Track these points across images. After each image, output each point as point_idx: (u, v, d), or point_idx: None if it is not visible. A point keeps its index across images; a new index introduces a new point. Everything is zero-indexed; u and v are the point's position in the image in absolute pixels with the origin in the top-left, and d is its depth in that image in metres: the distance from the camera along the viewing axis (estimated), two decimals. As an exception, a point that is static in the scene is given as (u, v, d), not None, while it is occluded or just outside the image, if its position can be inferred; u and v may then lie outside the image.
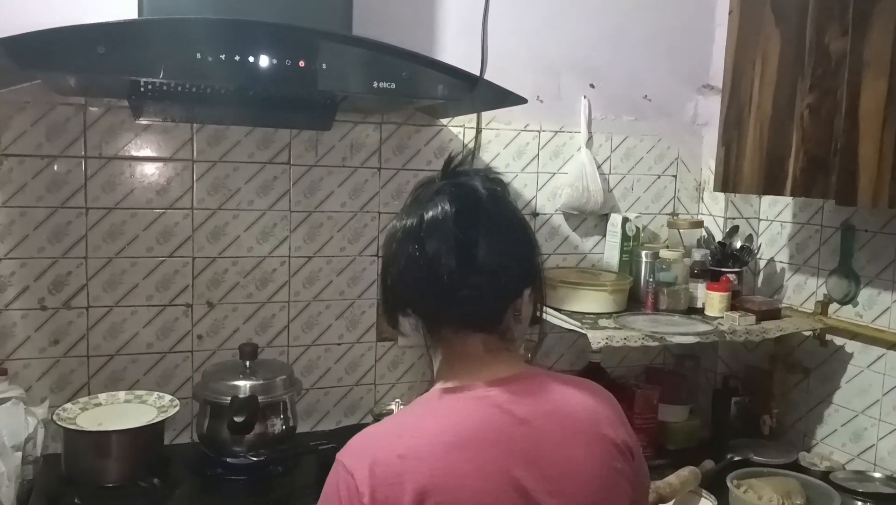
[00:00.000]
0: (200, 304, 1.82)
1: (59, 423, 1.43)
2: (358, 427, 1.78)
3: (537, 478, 0.92)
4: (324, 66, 1.37)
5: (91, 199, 1.72)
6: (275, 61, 1.33)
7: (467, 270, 0.95)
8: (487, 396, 0.96)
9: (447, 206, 0.97)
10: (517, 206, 1.07)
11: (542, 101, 2.06)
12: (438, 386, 1.02)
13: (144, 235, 1.77)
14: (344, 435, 1.74)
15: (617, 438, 1.01)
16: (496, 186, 1.03)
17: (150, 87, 1.50)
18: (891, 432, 1.80)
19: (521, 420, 0.95)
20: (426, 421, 0.96)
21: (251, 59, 1.31)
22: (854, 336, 1.89)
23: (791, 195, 1.73)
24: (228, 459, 1.58)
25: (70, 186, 1.71)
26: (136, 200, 1.76)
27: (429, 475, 0.88)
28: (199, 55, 1.28)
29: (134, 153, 1.74)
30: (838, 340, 1.93)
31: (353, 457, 0.92)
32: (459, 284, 0.95)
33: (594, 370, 2.07)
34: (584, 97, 2.10)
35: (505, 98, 1.58)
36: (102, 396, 1.56)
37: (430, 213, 0.97)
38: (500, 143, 2.04)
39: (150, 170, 1.76)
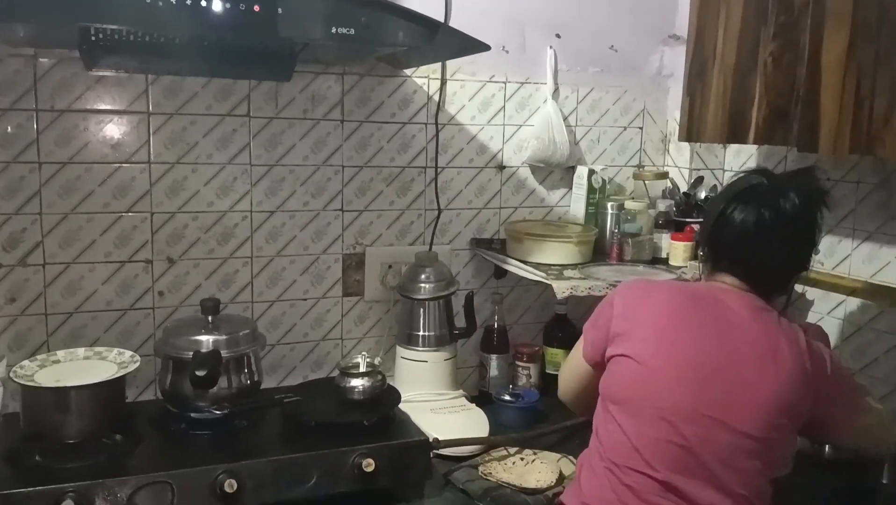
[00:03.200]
0: (160, 260, 1.79)
1: (16, 380, 1.40)
2: (325, 381, 1.79)
3: None
4: (279, 10, 1.33)
5: (44, 154, 1.68)
6: (228, 5, 1.29)
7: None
8: None
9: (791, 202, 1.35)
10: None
11: (507, 52, 2.04)
12: None
13: (100, 190, 1.72)
14: (310, 389, 1.75)
15: None
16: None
17: (101, 35, 1.45)
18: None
19: None
20: None
21: (203, 2, 1.27)
22: (814, 284, 1.91)
23: (754, 143, 1.74)
24: (192, 415, 1.57)
25: (22, 141, 1.65)
26: (90, 155, 1.71)
27: None
28: (149, -1, 1.24)
29: (87, 106, 1.69)
30: (799, 288, 1.96)
31: None
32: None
33: (560, 322, 2.09)
34: (550, 48, 2.08)
35: (468, 45, 1.55)
36: (61, 353, 1.53)
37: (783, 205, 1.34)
38: (465, 94, 2.01)
39: (105, 123, 1.71)
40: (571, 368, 1.52)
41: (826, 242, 1.89)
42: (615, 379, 1.36)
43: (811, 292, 1.93)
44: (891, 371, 1.74)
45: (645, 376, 1.30)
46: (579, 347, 1.47)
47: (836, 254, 1.87)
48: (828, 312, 1.89)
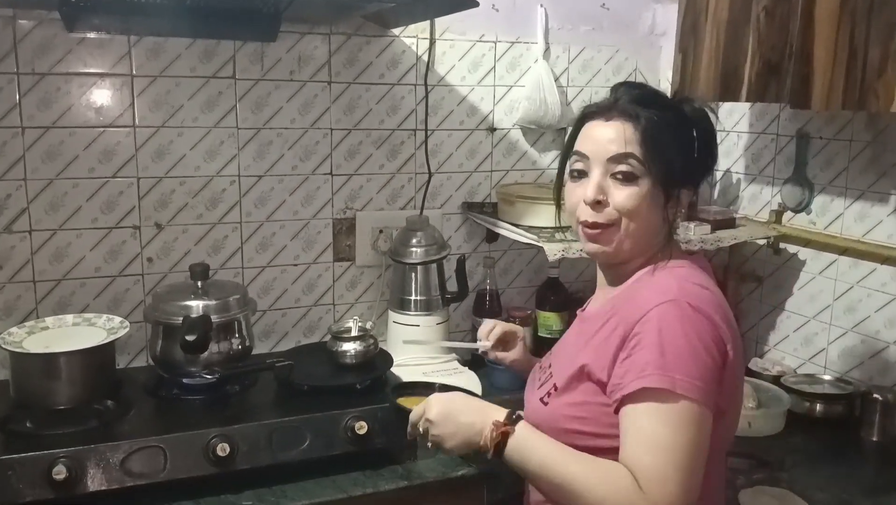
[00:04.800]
0: (148, 226, 1.77)
1: (4, 347, 1.38)
2: (317, 346, 1.78)
3: None
4: (262, -34, 1.30)
5: (26, 118, 1.65)
6: (209, -39, 1.26)
7: None
8: None
9: None
10: None
11: (497, 10, 2.00)
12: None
13: (85, 155, 1.70)
14: (302, 354, 1.75)
15: None
16: None
17: (79, -7, 1.42)
18: (841, 336, 1.84)
19: None
20: None
21: (183, -43, 1.24)
22: (807, 243, 1.91)
23: (746, 101, 1.72)
24: (184, 380, 1.56)
25: (3, 105, 1.62)
26: (74, 119, 1.68)
27: None
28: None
29: (69, 69, 1.66)
30: (791, 248, 1.96)
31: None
32: None
33: (552, 285, 2.08)
34: (541, 6, 2.04)
35: (456, 2, 1.52)
36: (50, 320, 1.52)
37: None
38: (455, 54, 1.98)
39: (87, 86, 1.68)
40: (701, 446, 1.02)
41: (818, 202, 1.89)
42: (725, 434, 1.15)
43: (803, 252, 1.93)
44: (882, 328, 1.74)
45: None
46: (694, 411, 1.01)
47: (828, 213, 1.86)
48: (819, 271, 1.89)
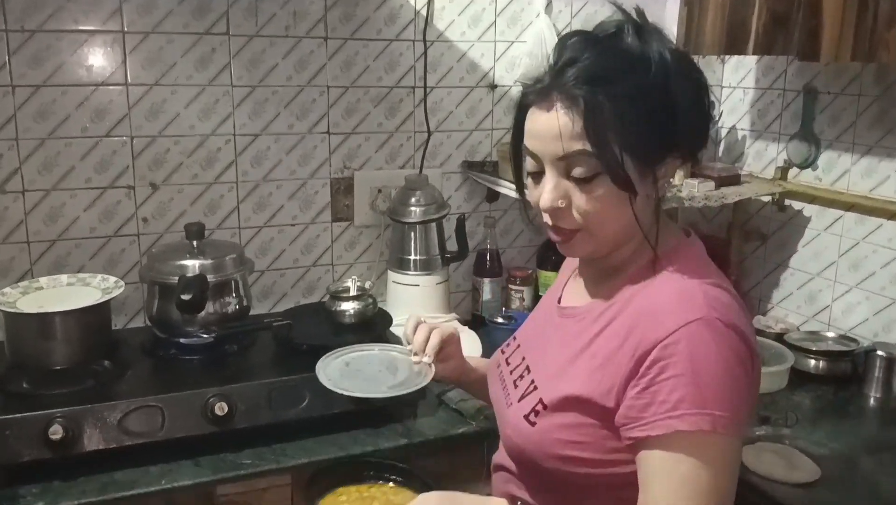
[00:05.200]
0: (143, 185, 1.75)
1: (-2, 307, 1.38)
2: (316, 306, 1.77)
3: None
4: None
5: (17, 77, 1.61)
6: None
7: None
8: None
9: None
10: None
11: (497, -37, 1.95)
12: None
13: (77, 114, 1.66)
14: (301, 313, 1.73)
15: None
16: None
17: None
18: (845, 293, 1.82)
19: None
20: None
21: None
22: (812, 200, 1.88)
23: (753, 53, 1.68)
24: (181, 340, 1.55)
25: (-9, 63, 1.59)
26: (65, 77, 1.64)
27: None
28: None
29: (59, 26, 1.62)
30: (797, 205, 1.93)
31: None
32: None
33: (553, 245, 2.05)
34: (542, -42, 1.99)
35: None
36: (44, 280, 1.50)
37: None
38: (454, 8, 1.93)
39: (78, 44, 1.64)
40: (735, 480, 0.92)
41: (825, 158, 1.85)
42: None
43: (808, 209, 1.90)
44: (887, 284, 1.72)
45: None
46: (734, 448, 0.90)
47: (834, 169, 1.83)
48: (825, 227, 1.86)
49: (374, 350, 1.32)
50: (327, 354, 1.28)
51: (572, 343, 1.02)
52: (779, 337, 1.80)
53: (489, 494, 1.13)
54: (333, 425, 1.45)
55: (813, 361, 1.71)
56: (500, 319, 1.90)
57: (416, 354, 1.21)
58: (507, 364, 1.15)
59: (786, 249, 1.96)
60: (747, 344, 0.91)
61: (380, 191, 1.94)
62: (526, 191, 1.04)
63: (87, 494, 1.26)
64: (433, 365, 1.20)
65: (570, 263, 1.19)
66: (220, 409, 1.36)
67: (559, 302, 1.14)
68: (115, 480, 1.29)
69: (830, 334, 1.80)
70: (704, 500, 0.87)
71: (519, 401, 1.05)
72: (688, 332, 0.88)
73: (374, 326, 1.64)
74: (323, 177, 1.90)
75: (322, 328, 1.63)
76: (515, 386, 1.09)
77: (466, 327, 1.86)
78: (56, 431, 1.26)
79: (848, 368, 1.70)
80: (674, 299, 0.93)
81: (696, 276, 0.95)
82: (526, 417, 1.01)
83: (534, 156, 0.97)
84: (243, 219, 1.85)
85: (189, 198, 1.79)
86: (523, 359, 1.12)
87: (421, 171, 1.96)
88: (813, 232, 1.89)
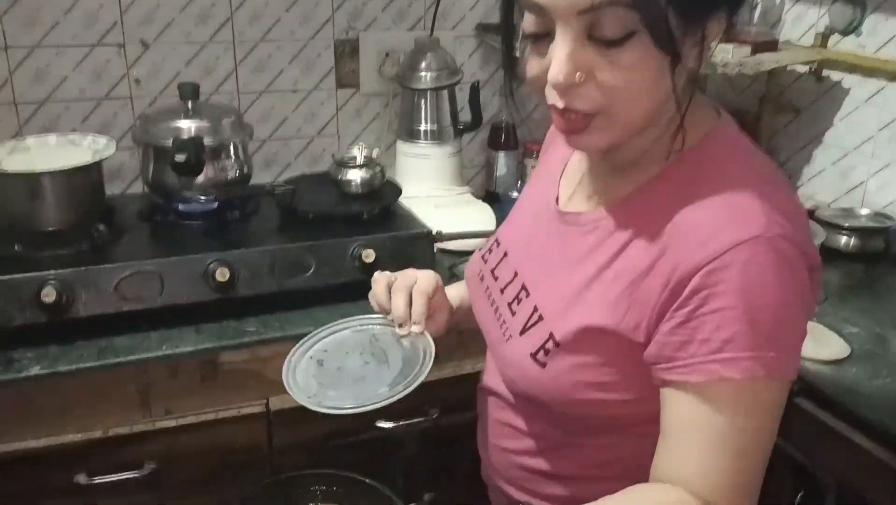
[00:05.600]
0: (133, 43, 1.62)
1: (-17, 166, 1.29)
2: (321, 175, 1.67)
3: None
4: None
5: (-11, -82, 1.47)
6: None
7: None
8: None
9: None
10: None
11: None
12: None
13: (58, -38, 1.53)
14: (305, 182, 1.64)
15: None
16: None
17: None
18: (882, 169, 1.71)
19: None
20: None
21: None
22: (853, 69, 1.75)
23: None
24: (180, 206, 1.47)
25: None
26: (42, -82, 1.50)
27: None
28: None
29: None
30: (835, 76, 1.79)
31: None
32: None
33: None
34: None
35: None
36: (31, 140, 1.41)
37: None
38: None
39: None
40: (778, 423, 0.75)
41: (870, 22, 1.70)
42: None
43: (848, 79, 1.76)
44: (929, 160, 1.62)
45: None
46: (783, 393, 0.74)
47: (880, 35, 1.69)
48: (865, 99, 1.73)
49: (346, 330, 1.00)
50: (289, 357, 0.96)
51: (585, 261, 0.82)
52: (809, 214, 1.71)
53: None
54: (340, 295, 1.38)
55: (844, 238, 1.63)
56: (514, 194, 1.81)
57: (400, 325, 0.95)
58: (495, 278, 0.94)
59: (820, 123, 1.84)
60: (811, 262, 0.74)
61: (387, 55, 1.81)
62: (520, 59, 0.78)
63: (84, 358, 1.21)
64: (426, 332, 0.94)
65: (560, 143, 0.91)
66: (222, 274, 1.29)
67: (557, 202, 0.91)
68: (114, 345, 1.24)
69: (864, 211, 1.71)
70: (743, 462, 0.72)
71: (521, 334, 0.85)
72: (742, 255, 0.69)
73: (382, 197, 1.55)
74: (326, 38, 1.76)
75: (328, 197, 1.54)
76: (512, 312, 0.88)
77: (481, 201, 1.78)
78: (49, 294, 1.20)
79: (880, 245, 1.62)
80: (721, 209, 0.73)
81: (745, 171, 0.76)
82: (533, 355, 0.83)
83: (538, 8, 0.71)
84: (242, 83, 1.73)
85: (183, 58, 1.66)
86: (515, 274, 0.91)
87: (432, 32, 1.82)
88: (851, 105, 1.77)
